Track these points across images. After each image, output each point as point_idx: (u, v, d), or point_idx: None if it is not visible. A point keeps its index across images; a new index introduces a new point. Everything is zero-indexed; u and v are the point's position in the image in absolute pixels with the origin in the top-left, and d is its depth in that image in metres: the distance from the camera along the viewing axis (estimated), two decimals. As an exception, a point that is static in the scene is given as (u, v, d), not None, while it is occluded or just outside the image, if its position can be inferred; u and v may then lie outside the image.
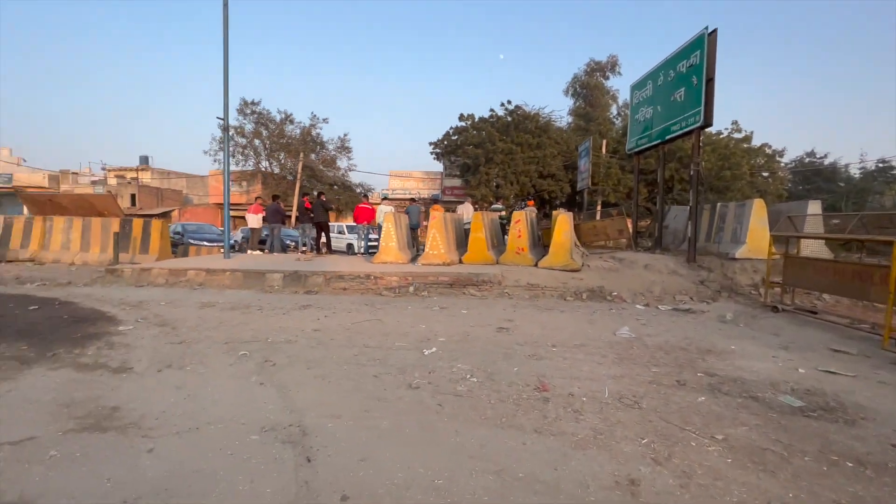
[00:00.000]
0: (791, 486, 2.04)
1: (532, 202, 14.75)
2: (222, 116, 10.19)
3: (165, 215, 29.73)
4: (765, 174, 23.85)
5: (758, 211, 8.40)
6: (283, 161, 29.67)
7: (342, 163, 30.98)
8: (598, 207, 21.60)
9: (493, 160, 22.00)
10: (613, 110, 30.32)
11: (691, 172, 8.95)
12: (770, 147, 23.69)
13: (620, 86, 30.98)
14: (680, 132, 9.09)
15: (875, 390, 3.28)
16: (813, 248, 8.08)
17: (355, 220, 12.56)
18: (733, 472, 2.15)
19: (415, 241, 11.66)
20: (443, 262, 8.77)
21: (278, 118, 29.38)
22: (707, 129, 9.76)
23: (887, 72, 78.42)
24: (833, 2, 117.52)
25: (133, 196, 34.03)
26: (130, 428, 2.54)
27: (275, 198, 12.58)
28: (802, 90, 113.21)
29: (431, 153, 26.16)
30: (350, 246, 16.59)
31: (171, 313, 5.51)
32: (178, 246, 13.38)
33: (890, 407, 2.97)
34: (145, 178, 37.91)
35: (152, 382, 3.25)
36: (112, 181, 37.16)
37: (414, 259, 9.60)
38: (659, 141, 10.13)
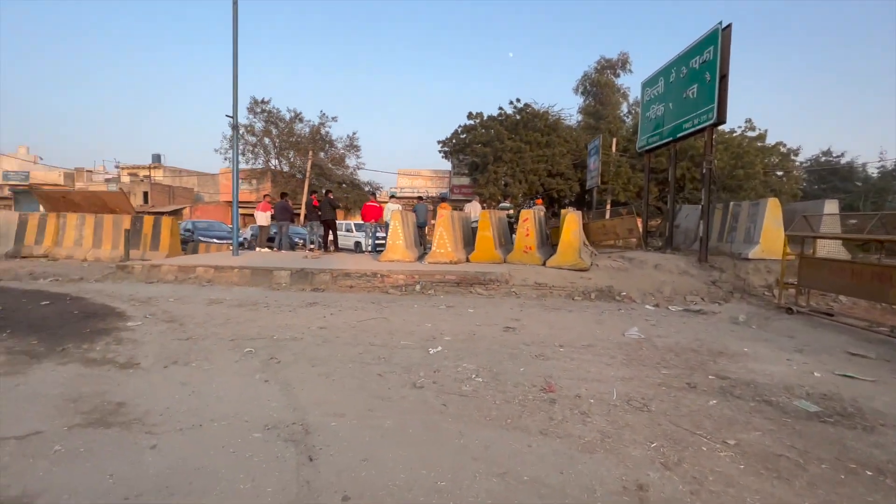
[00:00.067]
0: (807, 495, 1.97)
1: (540, 201, 14.62)
2: (231, 115, 10.26)
3: (176, 213, 30.10)
4: (779, 173, 23.38)
5: (772, 210, 8.22)
6: (292, 159, 29.85)
7: (351, 161, 31.14)
8: (608, 206, 21.34)
9: (502, 159, 21.86)
10: (624, 108, 29.97)
11: (703, 171, 8.80)
12: (784, 146, 23.19)
13: (631, 83, 30.66)
14: (692, 130, 8.93)
15: (895, 396, 3.17)
16: (829, 249, 7.91)
17: (363, 219, 12.59)
18: (746, 479, 2.08)
19: (422, 240, 11.65)
20: (450, 260, 8.73)
21: (288, 116, 29.58)
22: (720, 127, 9.58)
23: (907, 68, 76.43)
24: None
25: (146, 193, 34.61)
26: (135, 424, 2.54)
27: (283, 196, 12.63)
28: (819, 87, 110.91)
29: (440, 151, 26.06)
30: (358, 244, 16.65)
31: (180, 310, 5.56)
32: (189, 243, 13.54)
33: (911, 413, 2.86)
34: (157, 175, 38.50)
35: (158, 378, 3.27)
36: (125, 179, 37.82)
37: (421, 257, 9.58)
38: (670, 139, 9.97)
